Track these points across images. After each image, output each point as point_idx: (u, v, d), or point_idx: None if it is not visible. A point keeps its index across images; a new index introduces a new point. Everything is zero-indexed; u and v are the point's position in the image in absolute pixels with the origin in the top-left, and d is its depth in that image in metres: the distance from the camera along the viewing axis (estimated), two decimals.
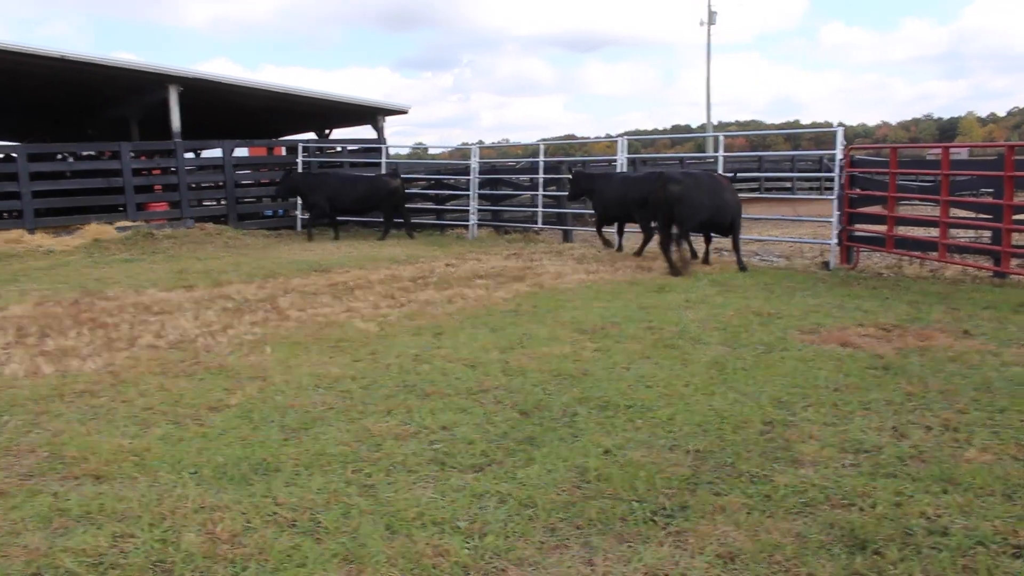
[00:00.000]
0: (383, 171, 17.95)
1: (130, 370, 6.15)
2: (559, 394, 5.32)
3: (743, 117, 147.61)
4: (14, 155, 17.50)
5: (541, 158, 16.62)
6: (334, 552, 3.31)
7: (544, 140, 21.01)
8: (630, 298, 8.74)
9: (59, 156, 18.68)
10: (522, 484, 3.93)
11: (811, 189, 26.42)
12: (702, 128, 50.20)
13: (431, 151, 35.89)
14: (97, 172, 17.91)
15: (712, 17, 43.94)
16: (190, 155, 20.08)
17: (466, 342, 6.81)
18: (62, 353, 6.75)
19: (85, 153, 19.23)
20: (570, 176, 14.01)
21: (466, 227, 16.92)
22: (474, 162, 16.91)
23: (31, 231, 16.31)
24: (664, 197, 10.79)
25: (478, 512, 3.66)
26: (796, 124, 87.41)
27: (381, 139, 21.40)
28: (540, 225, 16.16)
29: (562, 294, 9.09)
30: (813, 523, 3.50)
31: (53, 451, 4.49)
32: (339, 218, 17.21)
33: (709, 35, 43.93)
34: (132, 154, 17.79)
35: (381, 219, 17.46)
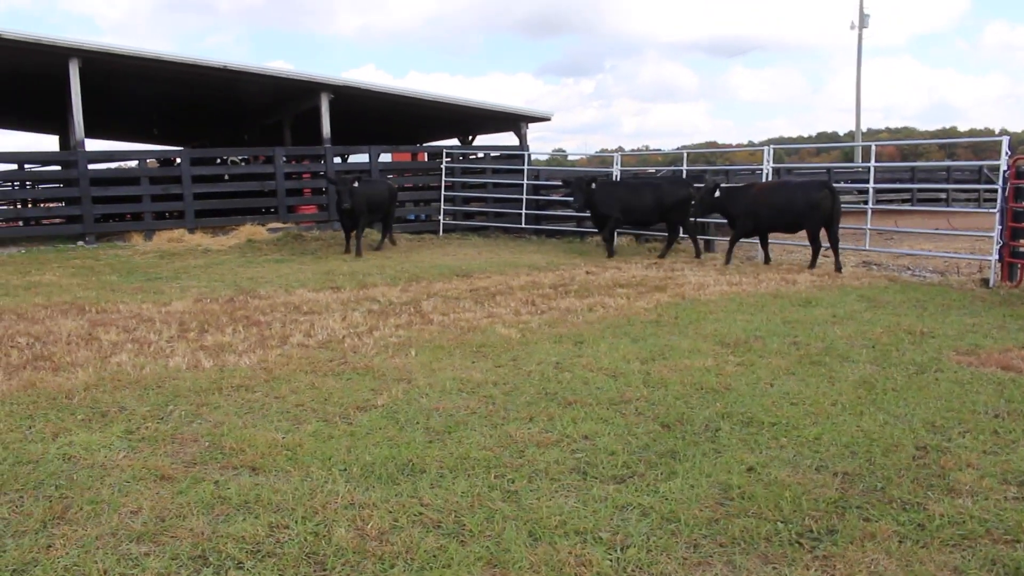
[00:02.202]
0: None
1: (282, 367, 6.44)
2: (701, 408, 5.25)
3: (895, 124, 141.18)
4: (178, 159, 18.67)
5: (684, 166, 16.44)
6: (478, 555, 3.38)
7: (685, 147, 20.73)
8: (774, 311, 8.53)
9: (218, 160, 19.75)
10: (664, 498, 3.90)
11: (968, 201, 25.10)
12: (850, 135, 48.36)
13: (570, 157, 36.00)
14: (252, 176, 18.87)
15: (864, 20, 42.25)
16: (338, 160, 20.79)
17: (607, 352, 6.81)
18: (219, 348, 7.14)
19: (241, 158, 20.29)
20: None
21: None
22: (616, 170, 16.87)
23: (191, 231, 17.33)
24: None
25: (620, 524, 3.66)
26: (953, 131, 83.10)
27: (524, 146, 21.64)
28: (681, 235, 15.95)
29: (704, 305, 8.95)
30: (972, 558, 3.33)
31: (213, 441, 4.76)
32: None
33: (860, 38, 42.20)
34: (285, 159, 18.65)
35: (508, 225, 17.72)
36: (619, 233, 16.75)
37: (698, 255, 14.05)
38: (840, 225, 12.38)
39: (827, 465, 4.28)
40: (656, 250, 15.03)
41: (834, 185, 12.98)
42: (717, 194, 13.07)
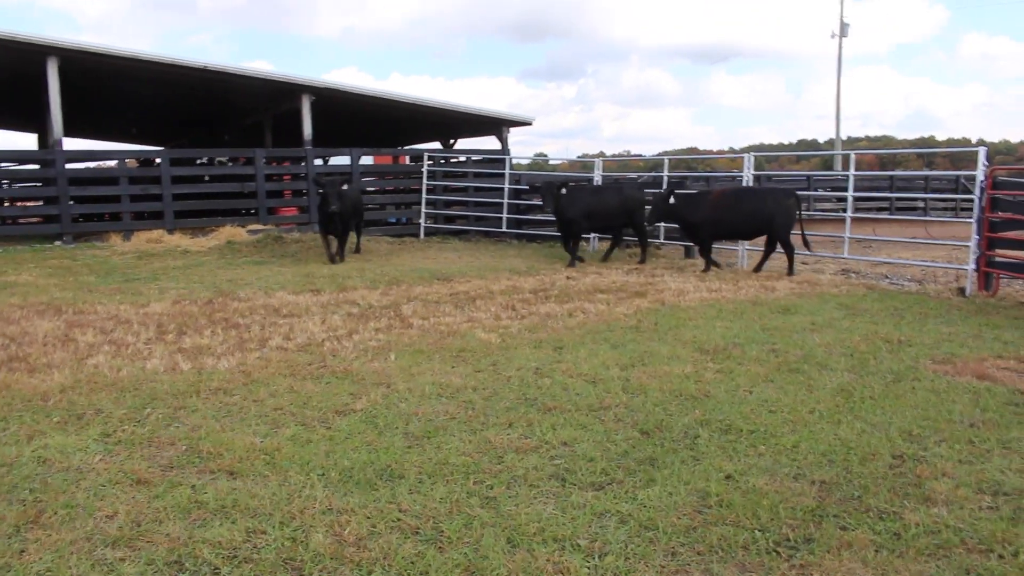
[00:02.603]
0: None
1: (261, 370, 6.41)
2: (680, 415, 5.28)
3: (874, 132, 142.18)
4: (158, 160, 18.56)
5: (665, 172, 16.51)
6: (456, 562, 3.38)
7: (666, 153, 20.82)
8: (753, 318, 8.57)
9: (198, 161, 19.64)
10: (643, 505, 3.92)
11: (945, 210, 25.33)
12: (830, 143, 48.71)
13: (551, 162, 36.05)
14: (232, 177, 18.77)
15: (844, 29, 42.59)
16: (318, 162, 20.75)
17: (587, 357, 6.82)
18: (198, 351, 7.10)
19: (220, 159, 20.19)
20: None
21: (587, 240, 16.91)
22: (597, 175, 16.92)
23: (170, 231, 17.22)
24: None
25: (599, 531, 3.67)
26: (931, 140, 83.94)
27: (505, 150, 21.67)
28: (661, 240, 16.03)
29: (684, 312, 8.99)
30: (947, 567, 3.37)
31: (191, 445, 4.73)
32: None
33: (841, 47, 42.58)
34: (265, 160, 18.57)
35: (489, 229, 17.68)
36: (600, 238, 16.83)
37: (643, 261, 14.09)
38: (806, 232, 12.61)
39: (805, 473, 4.30)
40: (636, 255, 15.09)
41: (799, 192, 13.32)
42: (671, 200, 12.79)
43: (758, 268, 12.85)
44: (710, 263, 12.99)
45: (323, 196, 13.71)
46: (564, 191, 13.65)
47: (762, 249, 12.97)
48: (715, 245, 13.45)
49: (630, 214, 14.06)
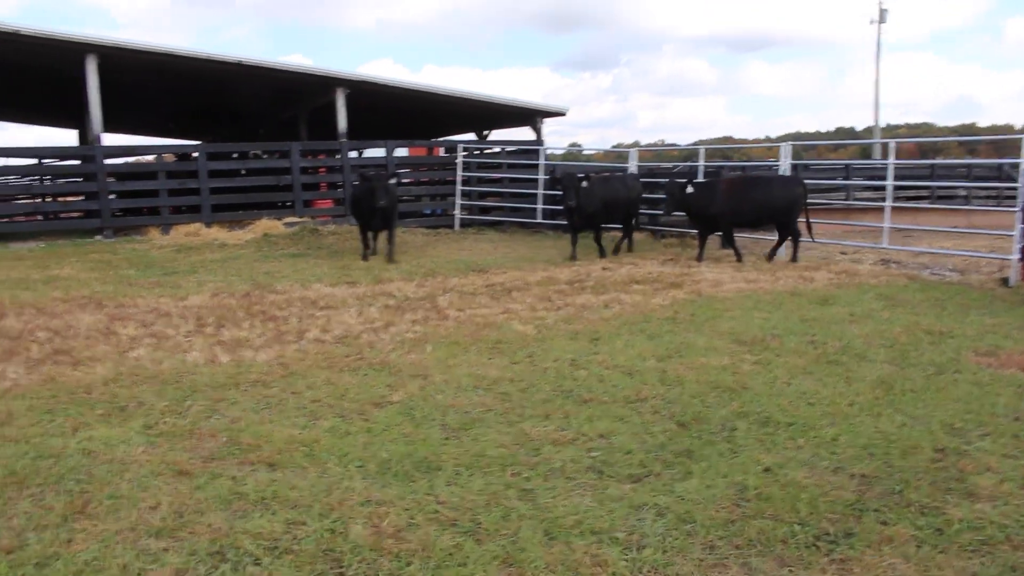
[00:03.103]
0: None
1: (299, 363, 6.48)
2: (718, 407, 5.25)
3: (914, 120, 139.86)
4: (195, 154, 18.76)
5: (701, 162, 16.37)
6: (494, 554, 3.40)
7: (701, 142, 20.67)
8: (791, 309, 8.49)
9: (234, 155, 19.82)
10: (680, 498, 3.91)
11: (988, 199, 24.86)
12: (869, 131, 48.03)
13: (586, 152, 35.96)
14: (268, 170, 18.93)
15: (883, 15, 41.90)
16: (353, 154, 20.85)
17: (623, 349, 6.81)
18: (236, 344, 7.18)
19: (255, 153, 20.35)
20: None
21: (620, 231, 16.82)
22: (632, 165, 16.83)
23: (208, 225, 17.40)
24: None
25: (636, 524, 3.67)
26: (972, 127, 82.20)
27: (539, 140, 21.62)
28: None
29: (720, 303, 8.93)
30: (991, 564, 3.32)
31: (231, 437, 4.80)
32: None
33: (879, 33, 41.94)
34: (301, 153, 18.71)
35: (524, 220, 17.68)
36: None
37: (616, 251, 14.01)
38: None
39: (844, 467, 4.27)
40: (672, 246, 14.99)
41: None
42: (689, 190, 12.64)
43: (771, 256, 12.88)
44: (738, 252, 12.97)
45: (370, 191, 12.80)
46: (585, 183, 13.23)
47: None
48: (746, 235, 13.37)
49: (632, 204, 14.10)
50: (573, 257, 13.26)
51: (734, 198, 12.59)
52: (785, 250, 13.02)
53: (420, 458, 4.41)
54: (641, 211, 16.18)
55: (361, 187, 13.32)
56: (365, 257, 13.63)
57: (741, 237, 14.21)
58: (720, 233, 13.66)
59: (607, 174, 15.41)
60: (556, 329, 7.64)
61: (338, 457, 4.45)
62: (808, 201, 12.83)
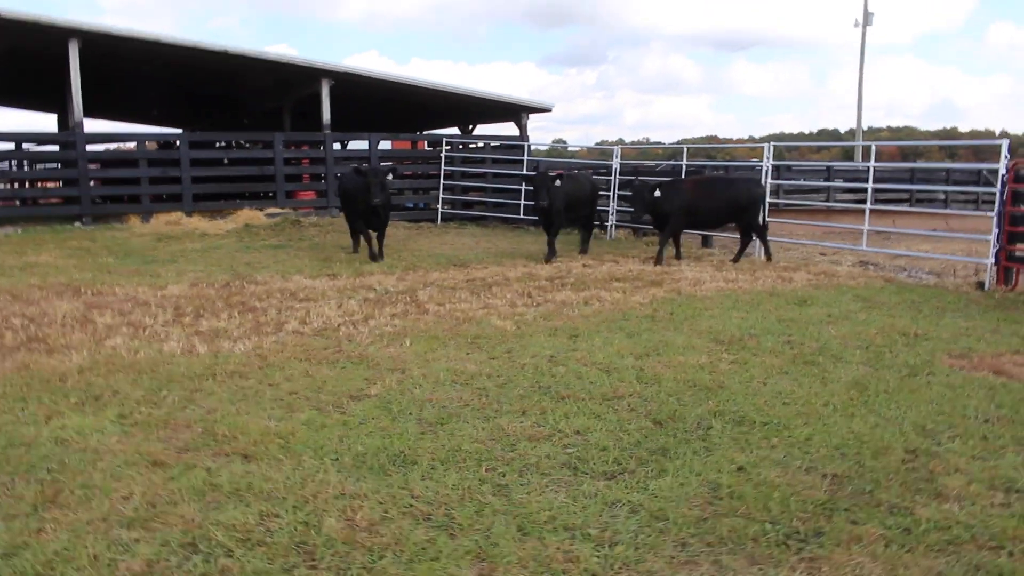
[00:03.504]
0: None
1: (277, 354, 6.46)
2: (694, 405, 5.27)
3: (896, 122, 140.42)
4: (177, 142, 18.62)
5: (684, 161, 16.43)
6: (467, 549, 3.40)
7: (685, 141, 20.73)
8: (770, 309, 8.53)
9: (217, 144, 19.70)
10: (654, 495, 3.92)
11: (966, 203, 25.07)
12: (851, 133, 48.26)
13: (570, 148, 35.95)
14: (251, 160, 18.83)
15: (868, 17, 42.03)
16: (336, 147, 20.76)
17: (601, 346, 6.82)
18: (214, 334, 7.15)
19: (239, 142, 20.24)
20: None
21: (604, 228, 16.88)
22: (615, 163, 16.85)
23: (189, 214, 17.30)
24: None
25: (609, 520, 3.68)
26: (954, 131, 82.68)
27: (524, 136, 21.62)
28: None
29: (700, 301, 8.96)
30: (956, 564, 3.35)
31: (206, 428, 4.77)
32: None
33: (864, 36, 42.04)
34: (284, 144, 18.62)
35: (507, 215, 17.67)
36: (617, 226, 16.78)
37: (584, 252, 13.81)
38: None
39: (817, 466, 4.29)
40: (654, 243, 15.04)
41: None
42: (657, 193, 12.41)
43: (737, 258, 12.87)
44: (677, 252, 13.17)
45: (364, 187, 12.04)
46: (559, 183, 12.75)
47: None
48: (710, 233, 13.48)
49: (593, 203, 14.03)
50: (552, 255, 12.95)
51: (697, 199, 12.63)
52: (761, 253, 13.11)
53: (396, 452, 4.41)
54: (621, 208, 16.25)
55: (352, 181, 12.54)
56: (356, 250, 13.32)
57: (729, 237, 14.29)
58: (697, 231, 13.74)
59: (575, 171, 15.42)
60: (535, 325, 7.65)
61: (314, 450, 4.44)
62: (788, 202, 12.94)
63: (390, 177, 12.63)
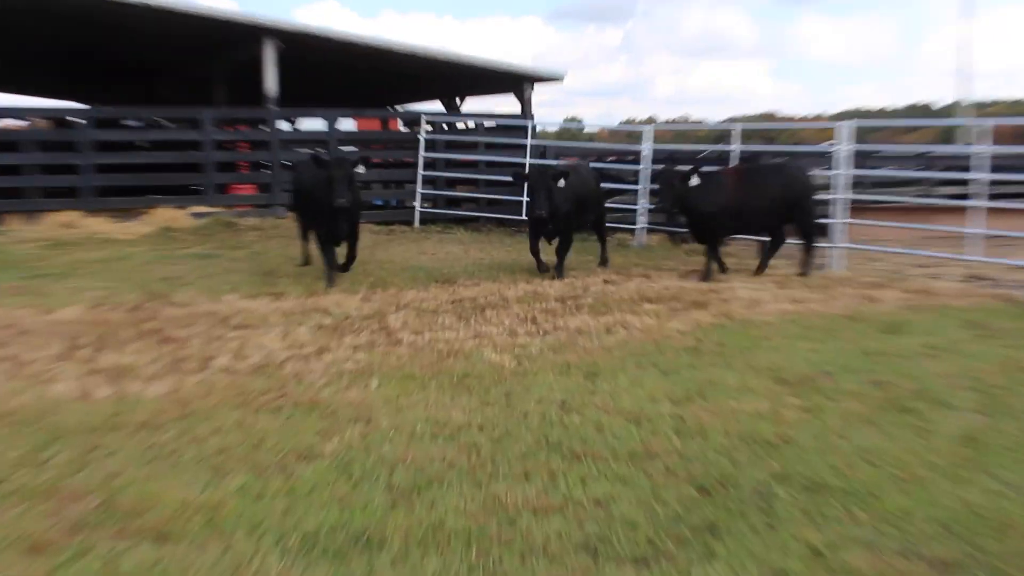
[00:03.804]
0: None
1: (202, 399, 6.42)
2: (751, 467, 5.24)
3: (1017, 94, 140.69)
4: (72, 119, 18.58)
5: (736, 145, 16.42)
6: None
7: (736, 120, 20.78)
8: (850, 339, 8.52)
9: (129, 123, 19.69)
10: None
11: None
12: (952, 109, 48.44)
13: (587, 129, 36.18)
14: (172, 144, 18.81)
15: None
16: (284, 127, 20.82)
17: (628, 388, 6.81)
18: (120, 372, 7.11)
19: (157, 120, 20.28)
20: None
21: (631, 232, 16.89)
22: (646, 147, 16.85)
23: (89, 213, 17.25)
24: None
25: None
26: None
27: (527, 113, 21.66)
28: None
29: (758, 329, 8.96)
30: None
31: (107, 498, 4.71)
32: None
33: None
34: (215, 123, 18.61)
35: (505, 216, 17.71)
36: (649, 230, 16.76)
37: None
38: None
39: (917, 549, 4.24)
40: (696, 252, 15.01)
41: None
42: (695, 181, 12.22)
43: (804, 269, 12.90)
44: (720, 264, 12.98)
45: (326, 183, 11.25)
46: (562, 182, 12.38)
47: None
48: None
49: (600, 202, 14.04)
50: (545, 270, 12.73)
51: (746, 192, 12.58)
52: (835, 262, 13.12)
53: (358, 530, 4.37)
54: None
55: (309, 173, 12.02)
56: (306, 261, 13.07)
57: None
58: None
59: (576, 162, 15.37)
60: (542, 360, 7.64)
61: (249, 527, 4.39)
62: (872, 198, 12.92)
63: (360, 170, 11.79)
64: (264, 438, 5.64)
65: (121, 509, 4.57)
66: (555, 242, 12.97)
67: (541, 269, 12.83)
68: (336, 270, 11.80)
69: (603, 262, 13.88)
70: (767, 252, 13.16)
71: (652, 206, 15.92)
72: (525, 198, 17.98)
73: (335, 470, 5.13)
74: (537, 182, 12.47)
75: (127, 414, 6.05)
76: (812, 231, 13.02)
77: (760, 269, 12.96)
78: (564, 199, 12.53)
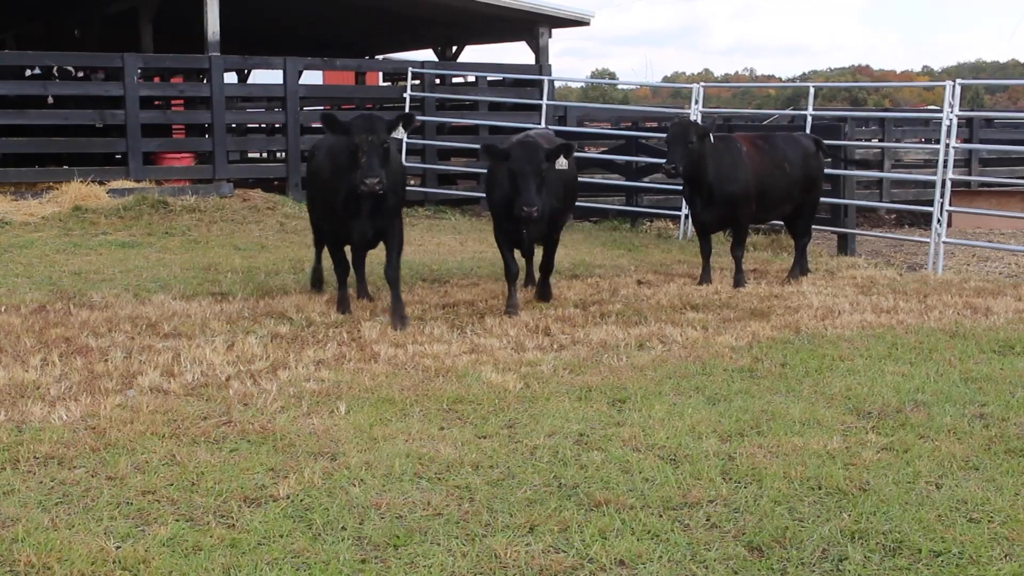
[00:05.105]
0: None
1: (122, 427, 6.46)
2: (817, 521, 5.26)
3: None
4: None
5: (810, 110, 16.45)
6: None
7: (815, 76, 20.71)
8: (949, 360, 8.51)
9: (28, 72, 19.70)
10: None
11: None
12: None
13: (621, 87, 36.14)
14: (85, 100, 18.79)
15: None
16: (231, 78, 20.83)
17: (665, 419, 6.83)
18: (19, 392, 7.17)
19: (66, 69, 20.32)
20: None
21: (675, 220, 16.90)
22: (695, 110, 16.89)
23: None
24: None
25: None
26: None
27: (542, 65, 21.62)
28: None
29: (831, 345, 8.97)
30: None
31: (1, 552, 4.76)
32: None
33: None
34: (141, 73, 18.59)
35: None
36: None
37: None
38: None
39: None
40: (759, 246, 15.04)
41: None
42: (710, 139, 11.98)
43: (793, 272, 12.98)
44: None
45: (350, 154, 9.60)
46: (564, 162, 10.88)
47: None
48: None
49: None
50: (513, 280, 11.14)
51: (769, 167, 12.51)
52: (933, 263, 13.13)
53: None
54: None
55: (329, 148, 10.52)
56: (317, 285, 11.71)
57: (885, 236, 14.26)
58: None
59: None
60: (555, 382, 7.68)
61: None
62: (986, 179, 12.88)
63: (398, 135, 10.42)
64: (201, 477, 5.68)
65: (20, 566, 4.62)
66: (538, 253, 11.74)
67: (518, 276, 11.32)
68: (362, 295, 11.01)
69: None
70: (799, 248, 13.14)
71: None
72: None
73: (290, 518, 5.17)
74: (521, 165, 10.37)
75: (27, 446, 6.08)
76: (812, 223, 13.19)
77: (800, 271, 12.95)
78: (554, 189, 11.08)
